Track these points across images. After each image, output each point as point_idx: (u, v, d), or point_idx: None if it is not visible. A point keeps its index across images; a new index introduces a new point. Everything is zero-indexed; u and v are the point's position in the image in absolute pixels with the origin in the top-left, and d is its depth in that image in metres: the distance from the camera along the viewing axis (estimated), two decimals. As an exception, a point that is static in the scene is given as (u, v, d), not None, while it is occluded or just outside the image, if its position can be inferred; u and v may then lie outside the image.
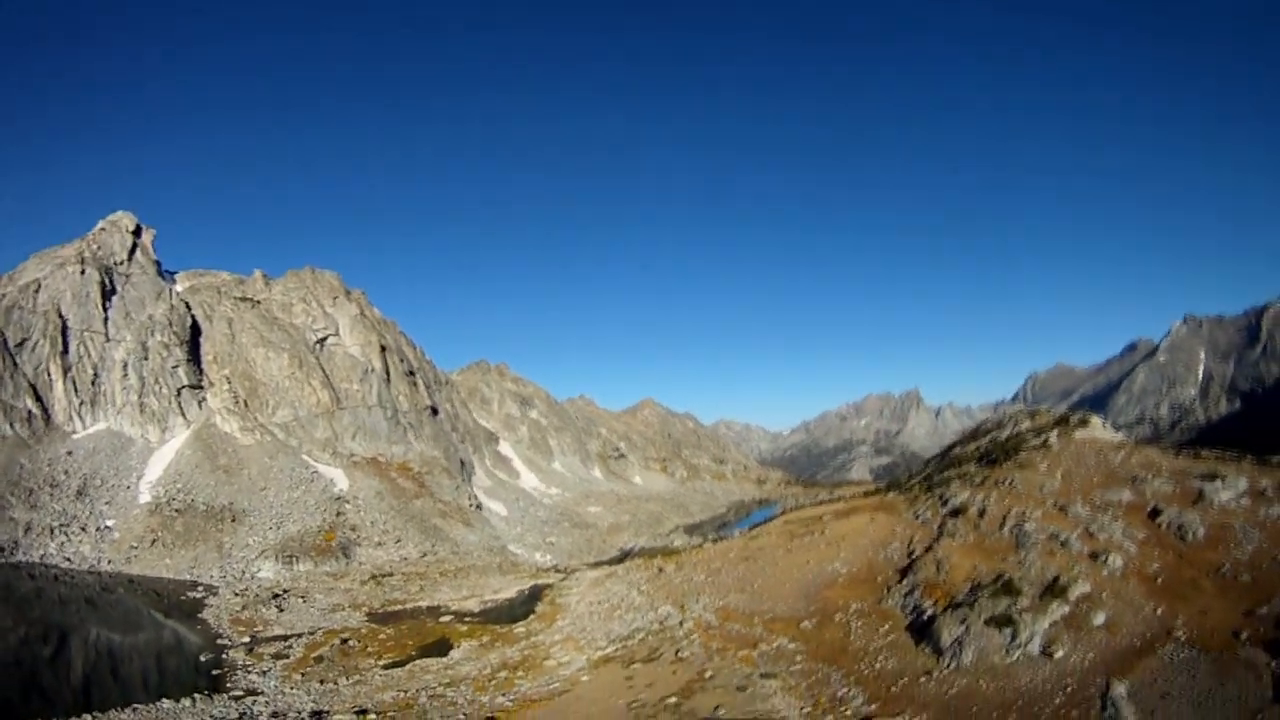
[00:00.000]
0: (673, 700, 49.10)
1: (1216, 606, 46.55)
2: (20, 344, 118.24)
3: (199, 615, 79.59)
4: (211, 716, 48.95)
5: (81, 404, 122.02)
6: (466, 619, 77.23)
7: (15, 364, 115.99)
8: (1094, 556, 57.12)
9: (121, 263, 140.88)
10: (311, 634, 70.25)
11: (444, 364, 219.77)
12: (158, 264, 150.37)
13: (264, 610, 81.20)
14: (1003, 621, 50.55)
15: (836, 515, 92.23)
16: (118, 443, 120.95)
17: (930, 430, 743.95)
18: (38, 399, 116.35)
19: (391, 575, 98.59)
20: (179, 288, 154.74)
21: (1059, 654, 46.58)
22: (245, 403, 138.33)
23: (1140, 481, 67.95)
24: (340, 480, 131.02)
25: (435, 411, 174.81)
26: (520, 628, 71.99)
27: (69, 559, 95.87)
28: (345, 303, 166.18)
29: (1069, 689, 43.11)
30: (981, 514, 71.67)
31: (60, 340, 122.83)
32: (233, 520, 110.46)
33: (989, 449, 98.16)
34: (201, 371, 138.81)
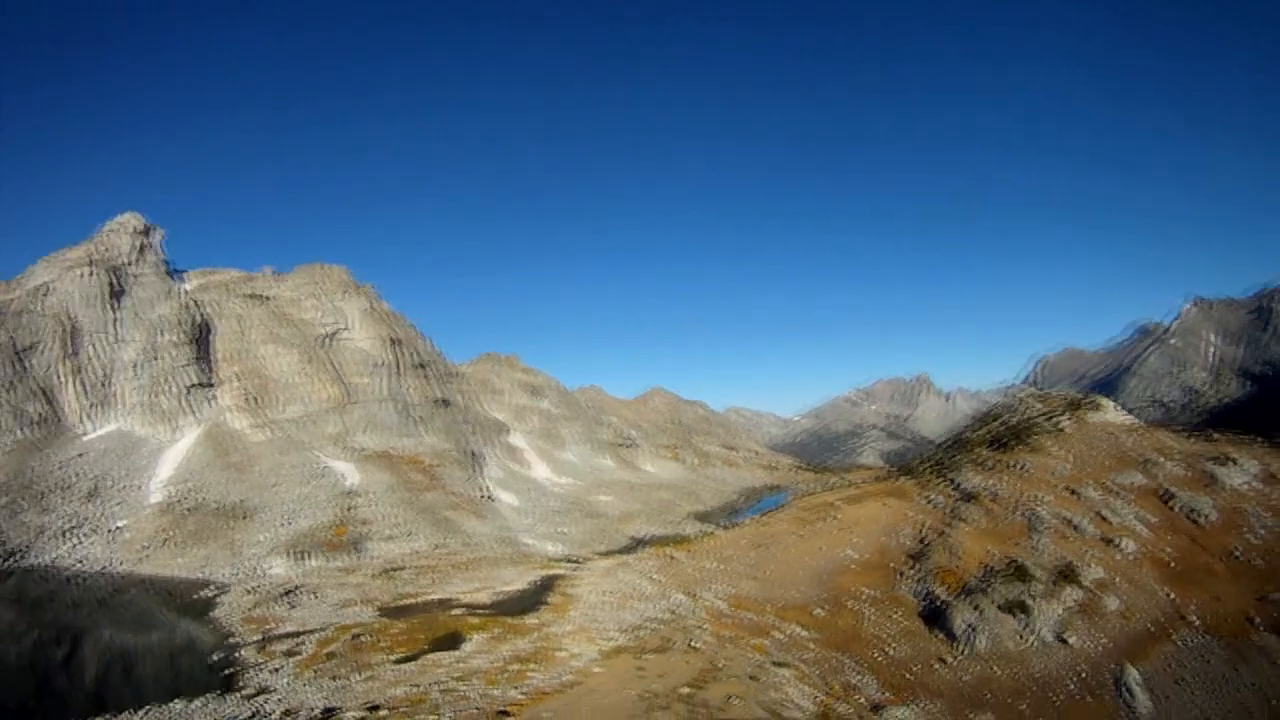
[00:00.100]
0: (685, 691, 48.86)
1: (1230, 591, 46.35)
2: (30, 347, 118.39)
3: (211, 614, 79.42)
4: (224, 716, 49.01)
5: (92, 405, 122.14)
6: (478, 611, 76.94)
7: (25, 368, 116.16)
8: (1107, 541, 56.92)
9: (130, 263, 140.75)
10: (323, 630, 69.88)
11: (454, 356, 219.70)
12: (167, 263, 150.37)
13: (275, 607, 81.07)
14: (1016, 607, 50.39)
15: (848, 501, 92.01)
16: (128, 443, 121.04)
17: (940, 414, 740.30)
18: (48, 402, 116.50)
19: (403, 569, 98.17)
20: (188, 286, 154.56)
21: (1073, 640, 46.42)
22: (255, 400, 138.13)
23: (1152, 465, 67.64)
24: (351, 475, 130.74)
25: (446, 404, 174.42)
26: (532, 619, 71.75)
27: (81, 561, 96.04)
28: (355, 296, 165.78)
29: (1083, 675, 42.98)
30: (993, 498, 71.51)
31: (70, 343, 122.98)
32: (244, 518, 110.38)
33: (1000, 433, 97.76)
34: (212, 369, 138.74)
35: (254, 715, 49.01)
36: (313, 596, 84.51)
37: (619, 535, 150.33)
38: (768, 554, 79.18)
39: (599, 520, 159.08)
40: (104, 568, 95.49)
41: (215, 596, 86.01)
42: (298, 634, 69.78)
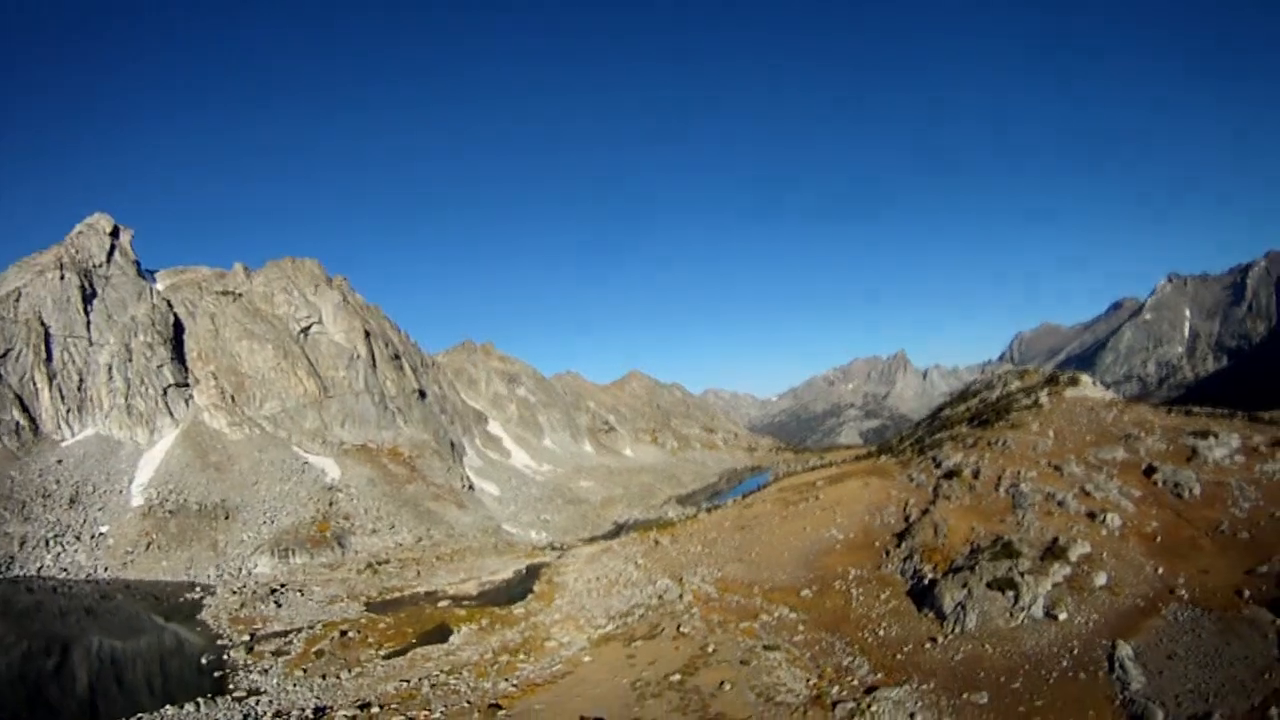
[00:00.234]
0: (676, 677, 48.80)
1: (1217, 565, 46.52)
2: (3, 355, 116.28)
3: (198, 616, 78.98)
4: (215, 721, 48.82)
5: (69, 411, 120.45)
6: (465, 603, 76.96)
7: (0, 376, 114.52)
8: (1091, 516, 57.09)
9: (100, 265, 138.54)
10: (311, 628, 69.89)
11: (429, 346, 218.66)
12: (137, 264, 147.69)
13: (262, 607, 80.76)
14: (1005, 584, 50.38)
15: (830, 481, 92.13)
16: (107, 447, 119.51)
17: (918, 392, 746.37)
18: (24, 410, 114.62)
19: (387, 563, 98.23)
20: (160, 286, 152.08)
21: (1063, 616, 46.49)
22: (232, 397, 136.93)
23: (1133, 439, 67.96)
24: (331, 469, 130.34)
25: (423, 394, 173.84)
26: (519, 609, 71.76)
27: (65, 569, 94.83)
28: (327, 290, 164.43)
29: (1075, 651, 43.03)
30: (976, 475, 71.60)
31: (44, 348, 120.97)
32: (226, 517, 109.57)
33: (980, 410, 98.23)
34: (187, 369, 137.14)
35: (245, 718, 48.59)
36: (299, 594, 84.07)
37: (602, 521, 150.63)
38: (752, 536, 79.11)
39: (581, 506, 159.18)
40: (89, 575, 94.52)
41: (201, 598, 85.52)
42: (285, 633, 69.48)
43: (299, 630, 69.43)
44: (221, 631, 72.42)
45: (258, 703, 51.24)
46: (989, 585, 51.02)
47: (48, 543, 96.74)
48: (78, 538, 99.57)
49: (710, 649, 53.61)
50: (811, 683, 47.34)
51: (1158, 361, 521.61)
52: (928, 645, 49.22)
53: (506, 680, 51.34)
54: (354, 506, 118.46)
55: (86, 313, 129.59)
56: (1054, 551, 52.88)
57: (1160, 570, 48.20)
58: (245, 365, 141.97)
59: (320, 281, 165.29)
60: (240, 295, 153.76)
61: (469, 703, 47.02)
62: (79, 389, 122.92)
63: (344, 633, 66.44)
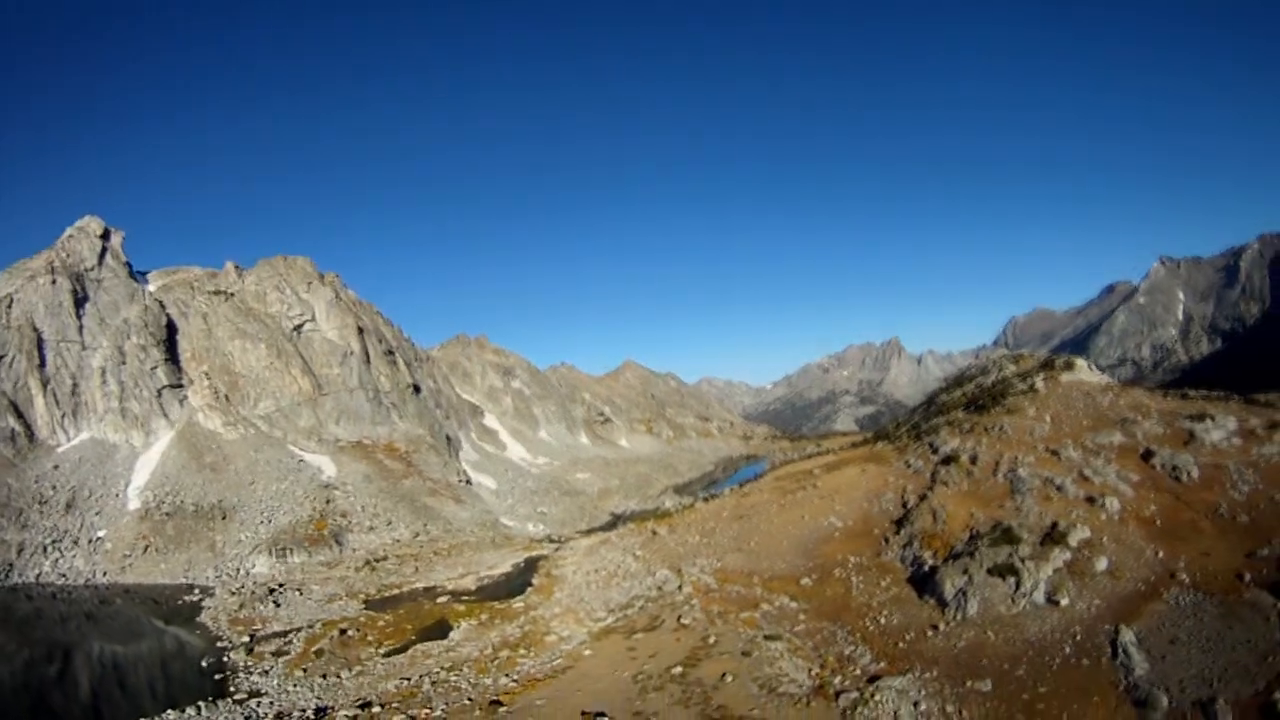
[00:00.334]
0: (678, 670, 48.65)
1: (1217, 548, 46.40)
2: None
3: (198, 619, 78.66)
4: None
5: (63, 416, 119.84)
6: (464, 598, 76.70)
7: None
8: (1090, 500, 56.97)
9: (92, 268, 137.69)
10: (310, 627, 69.59)
11: (423, 340, 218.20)
12: (128, 266, 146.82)
13: (261, 607, 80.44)
14: (1005, 570, 50.27)
15: (827, 468, 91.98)
16: (102, 451, 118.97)
17: (913, 378, 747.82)
18: (19, 416, 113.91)
19: (385, 559, 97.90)
20: (151, 287, 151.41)
21: (1064, 602, 46.38)
22: (226, 397, 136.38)
23: (1130, 423, 67.82)
24: (327, 467, 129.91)
25: (417, 389, 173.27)
26: (518, 602, 71.56)
27: (64, 575, 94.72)
28: (320, 287, 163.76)
29: (1077, 637, 42.93)
30: (973, 461, 71.46)
31: (37, 353, 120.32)
32: (223, 518, 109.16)
33: (975, 395, 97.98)
34: (180, 370, 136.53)
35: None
36: (297, 593, 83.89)
37: (599, 512, 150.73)
38: (750, 525, 78.94)
39: (578, 498, 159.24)
40: (88, 580, 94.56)
41: (200, 600, 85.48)
42: (285, 633, 69.34)
43: (298, 630, 69.14)
44: (221, 633, 72.13)
45: (259, 705, 51.04)
46: (990, 571, 50.92)
47: (45, 549, 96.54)
48: (75, 543, 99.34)
49: (711, 640, 53.47)
50: (814, 673, 47.23)
51: (1152, 344, 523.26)
52: (929, 633, 49.12)
53: (507, 676, 51.13)
54: (351, 504, 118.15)
55: (79, 317, 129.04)
56: (1054, 537, 52.77)
57: (1161, 554, 48.09)
58: (239, 365, 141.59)
59: (312, 279, 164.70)
60: (232, 294, 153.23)
61: (470, 699, 46.82)
62: (73, 393, 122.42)
63: (343, 631, 66.17)
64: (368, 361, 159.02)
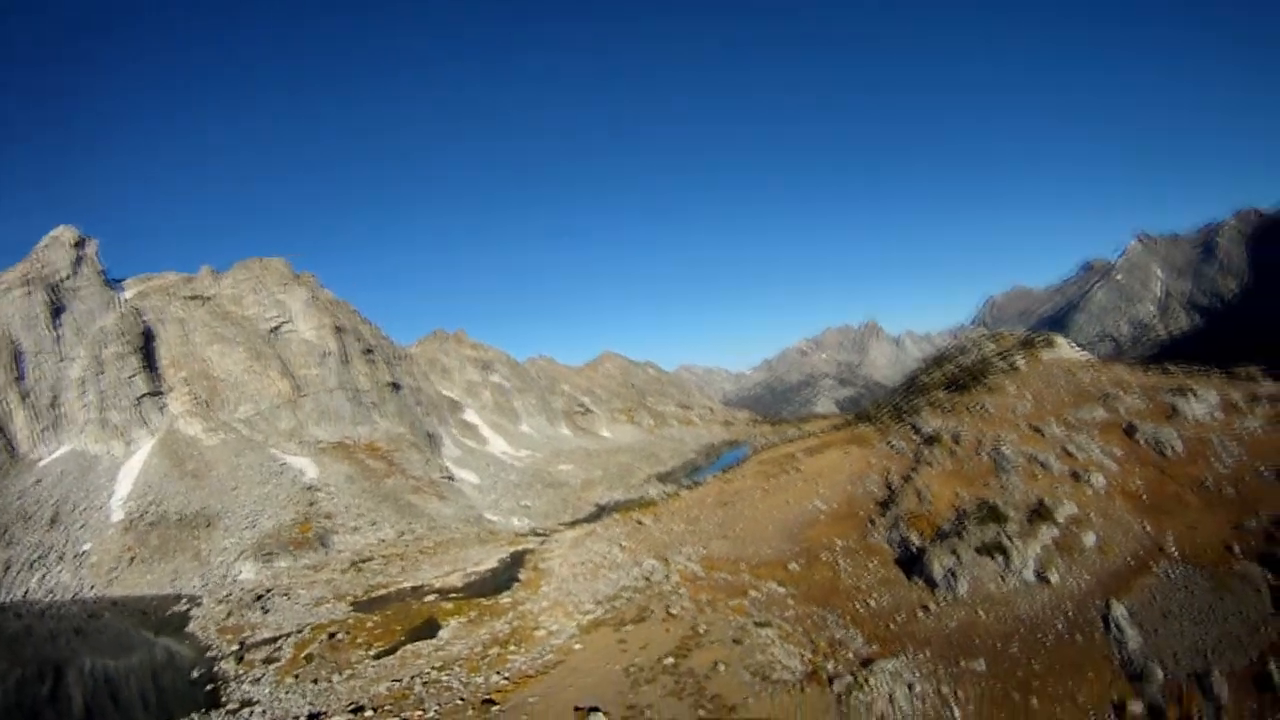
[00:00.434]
0: (669, 661, 48.30)
1: (1205, 521, 46.53)
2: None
3: (186, 629, 77.95)
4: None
5: (44, 429, 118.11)
6: (451, 595, 76.07)
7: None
8: (1075, 476, 57.10)
9: (67, 278, 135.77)
10: (299, 632, 68.80)
11: (400, 338, 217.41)
12: (104, 274, 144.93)
13: (249, 614, 79.65)
14: (994, 549, 50.31)
15: (809, 451, 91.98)
16: (84, 463, 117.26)
17: (891, 359, 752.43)
18: (0, 432, 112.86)
19: (371, 560, 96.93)
20: (127, 295, 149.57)
21: (1054, 578, 46.45)
22: (206, 403, 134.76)
23: (1112, 399, 68.01)
24: (309, 469, 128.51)
25: (397, 387, 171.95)
26: (506, 598, 70.99)
27: (51, 591, 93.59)
28: (295, 288, 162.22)
29: (1069, 613, 43.02)
30: (956, 440, 71.56)
31: (14, 366, 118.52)
32: (207, 525, 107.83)
33: (956, 374, 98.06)
34: (159, 377, 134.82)
35: (237, 729, 47.89)
36: (284, 598, 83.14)
37: (582, 504, 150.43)
38: (735, 511, 78.84)
39: (561, 490, 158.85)
40: (75, 595, 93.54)
41: (188, 610, 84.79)
42: (274, 639, 68.78)
43: (287, 635, 68.43)
44: (210, 642, 71.53)
45: (251, 714, 50.53)
46: (978, 550, 50.96)
47: (31, 565, 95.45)
48: (61, 558, 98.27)
49: (701, 629, 53.19)
50: (806, 658, 47.08)
51: (1130, 321, 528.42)
52: (920, 614, 49.11)
53: (498, 673, 50.62)
54: (334, 505, 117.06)
55: (55, 327, 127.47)
56: (1040, 513, 52.84)
57: (1148, 528, 48.21)
58: (217, 369, 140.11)
59: (288, 280, 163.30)
60: (209, 299, 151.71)
61: (462, 699, 46.30)
62: (52, 406, 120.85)
63: (332, 635, 65.49)
64: (346, 361, 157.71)
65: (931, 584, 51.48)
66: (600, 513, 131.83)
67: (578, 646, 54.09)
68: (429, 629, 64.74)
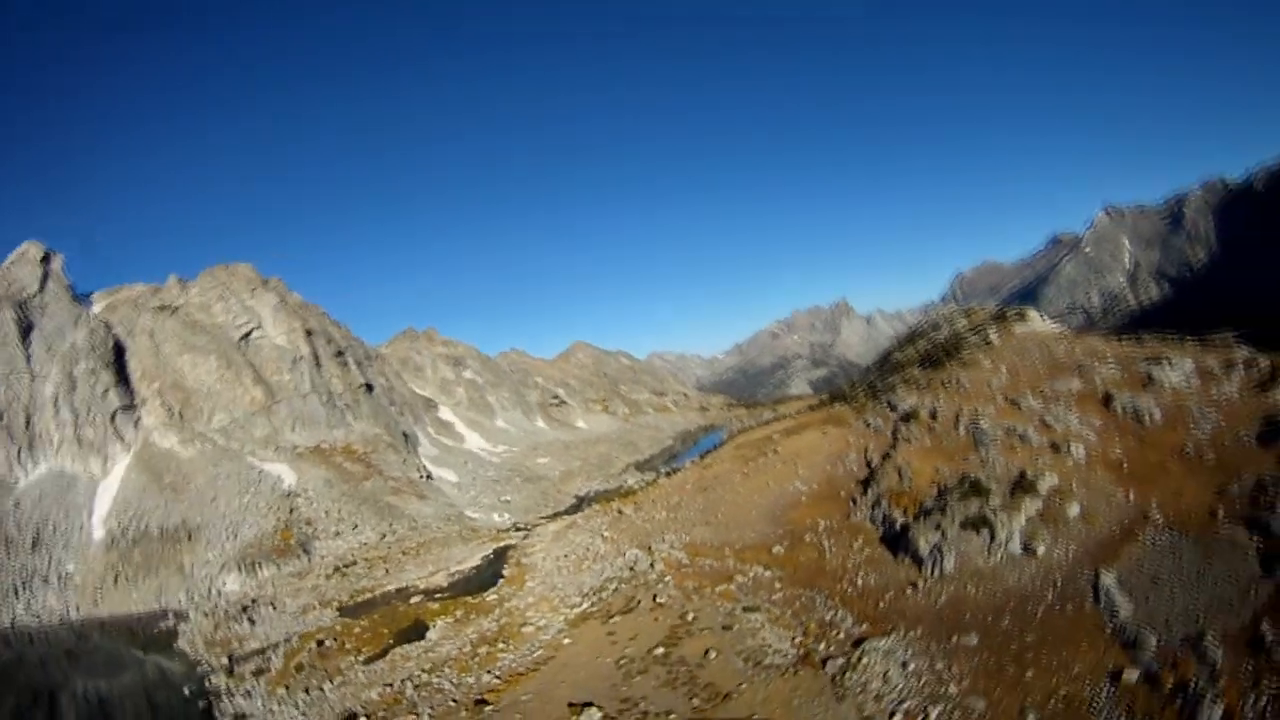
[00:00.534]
0: (660, 651, 48.15)
1: (1188, 487, 46.68)
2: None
3: (175, 645, 77.30)
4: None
5: (19, 451, 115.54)
6: (437, 595, 75.62)
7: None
8: (1055, 448, 57.26)
9: (35, 295, 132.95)
10: (287, 641, 68.09)
11: (371, 338, 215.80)
12: (71, 289, 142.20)
13: (236, 626, 78.83)
14: (978, 523, 50.35)
15: (786, 433, 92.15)
16: (62, 483, 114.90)
17: (864, 338, 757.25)
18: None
19: (355, 564, 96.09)
20: (96, 309, 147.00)
21: (1041, 550, 46.55)
22: (180, 414, 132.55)
23: (1088, 370, 68.27)
24: (287, 475, 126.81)
25: (370, 388, 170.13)
26: (492, 595, 70.57)
27: (38, 615, 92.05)
28: (264, 293, 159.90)
29: (1058, 584, 43.11)
30: (933, 416, 71.74)
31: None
32: (189, 538, 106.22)
33: (929, 351, 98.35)
34: (132, 391, 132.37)
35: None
36: (270, 608, 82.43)
37: (562, 496, 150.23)
38: (715, 496, 78.86)
39: (540, 484, 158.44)
40: (62, 618, 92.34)
41: (176, 625, 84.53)
42: (263, 650, 68.32)
43: (276, 646, 67.81)
44: (200, 657, 71.12)
45: (246, 727, 50.26)
46: (963, 525, 51.00)
47: (16, 591, 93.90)
48: (45, 581, 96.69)
49: (690, 617, 53.07)
50: (797, 641, 47.01)
51: (1101, 292, 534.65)
52: (909, 591, 49.14)
53: (489, 672, 50.24)
54: (314, 511, 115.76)
55: (25, 346, 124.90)
56: (1023, 486, 52.97)
57: (1132, 496, 48.37)
58: (189, 379, 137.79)
59: (256, 285, 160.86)
60: (177, 309, 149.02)
61: (455, 701, 45.93)
62: (27, 427, 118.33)
63: (321, 642, 64.84)
64: (318, 364, 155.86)
65: (918, 561, 51.52)
66: (580, 504, 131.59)
67: (567, 641, 53.83)
68: (417, 630, 64.31)
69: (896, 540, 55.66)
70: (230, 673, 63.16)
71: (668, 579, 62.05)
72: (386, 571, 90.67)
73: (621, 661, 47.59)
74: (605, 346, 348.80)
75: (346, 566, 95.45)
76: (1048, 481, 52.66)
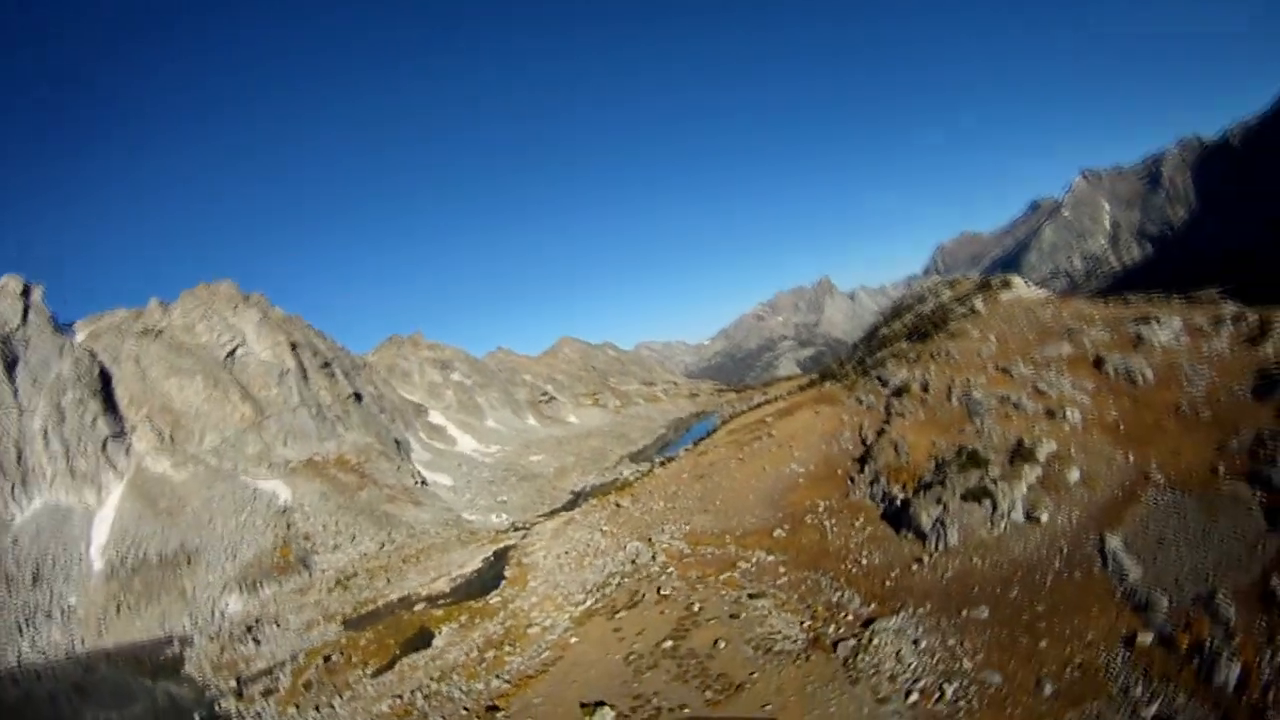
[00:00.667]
0: (669, 644, 47.79)
1: (1186, 446, 46.52)
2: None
3: (183, 671, 76.88)
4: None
5: (13, 487, 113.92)
6: (440, 602, 75.32)
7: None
8: (1050, 414, 57.11)
9: (17, 328, 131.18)
10: (294, 659, 67.85)
11: (356, 347, 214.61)
12: (53, 319, 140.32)
13: (242, 647, 78.67)
14: (979, 494, 50.15)
15: (779, 415, 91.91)
16: (58, 516, 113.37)
17: (848, 314, 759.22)
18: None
19: (356, 575, 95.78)
20: (79, 337, 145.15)
21: (1044, 517, 46.36)
22: (171, 438, 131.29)
23: (1076, 333, 68.19)
24: (282, 491, 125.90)
25: (359, 397, 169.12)
26: (495, 598, 70.16)
27: (43, 651, 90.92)
28: (246, 309, 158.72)
29: (1064, 551, 42.90)
30: (925, 389, 71.55)
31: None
32: (188, 562, 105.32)
33: (916, 324, 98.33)
34: (120, 418, 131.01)
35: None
36: (275, 626, 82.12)
37: (559, 493, 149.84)
38: (713, 484, 78.56)
39: (535, 481, 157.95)
40: (68, 652, 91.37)
41: (182, 651, 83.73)
42: (270, 670, 68.08)
43: (282, 664, 67.56)
44: (208, 681, 70.93)
45: (259, 750, 49.84)
46: (964, 497, 50.79)
47: (20, 628, 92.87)
48: (49, 616, 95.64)
49: (696, 608, 52.72)
50: (806, 625, 46.71)
51: (1083, 255, 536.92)
52: (914, 567, 48.90)
53: (498, 677, 49.85)
54: (312, 525, 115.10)
55: (11, 381, 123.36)
56: (1021, 454, 52.81)
57: (1131, 458, 48.21)
58: (178, 402, 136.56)
59: (238, 301, 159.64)
60: (160, 331, 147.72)
61: (466, 709, 45.53)
62: (19, 462, 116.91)
63: (327, 658, 64.42)
64: (305, 377, 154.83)
65: (921, 536, 51.30)
66: (577, 500, 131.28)
67: (574, 640, 53.44)
68: (423, 639, 63.91)
69: (898, 516, 55.47)
70: (239, 695, 62.75)
71: (670, 570, 61.66)
72: (388, 581, 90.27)
73: (630, 657, 47.23)
74: (591, 340, 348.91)
75: (348, 579, 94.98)
76: (1046, 448, 52.51)
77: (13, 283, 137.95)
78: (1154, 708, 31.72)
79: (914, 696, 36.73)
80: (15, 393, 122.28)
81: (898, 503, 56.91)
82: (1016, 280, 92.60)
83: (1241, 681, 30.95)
